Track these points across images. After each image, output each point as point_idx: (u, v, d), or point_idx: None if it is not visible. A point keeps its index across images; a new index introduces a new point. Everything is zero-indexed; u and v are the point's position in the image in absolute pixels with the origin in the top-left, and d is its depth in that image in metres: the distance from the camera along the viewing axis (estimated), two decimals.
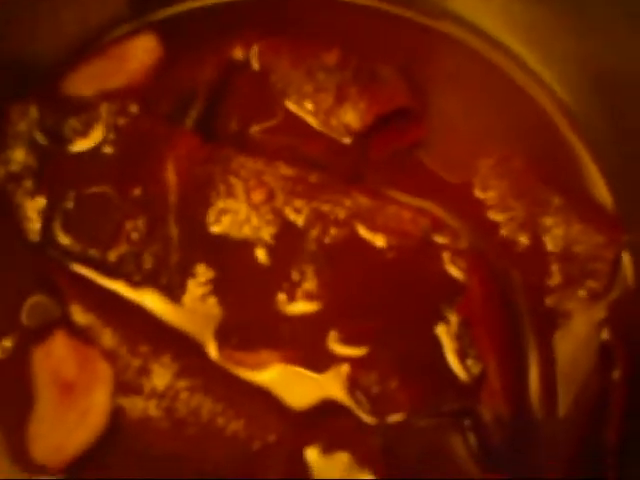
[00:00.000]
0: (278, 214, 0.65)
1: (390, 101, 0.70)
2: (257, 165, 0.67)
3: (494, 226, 0.67)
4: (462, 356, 0.61)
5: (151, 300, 0.64)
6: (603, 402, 0.62)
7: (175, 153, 0.67)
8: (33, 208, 0.66)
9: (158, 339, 0.63)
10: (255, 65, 0.72)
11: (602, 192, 0.70)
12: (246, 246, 0.64)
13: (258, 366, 0.62)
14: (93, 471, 0.60)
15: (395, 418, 0.60)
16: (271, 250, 0.64)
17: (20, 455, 0.60)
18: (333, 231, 0.65)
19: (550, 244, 0.66)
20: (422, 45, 0.75)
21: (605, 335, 0.65)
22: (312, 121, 0.70)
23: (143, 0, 0.75)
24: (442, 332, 0.62)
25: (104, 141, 0.67)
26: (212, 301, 0.64)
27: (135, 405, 0.61)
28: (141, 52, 0.73)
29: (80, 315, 0.63)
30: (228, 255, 0.64)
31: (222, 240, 0.65)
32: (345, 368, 0.62)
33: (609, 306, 0.65)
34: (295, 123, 0.70)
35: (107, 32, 0.75)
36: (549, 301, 0.65)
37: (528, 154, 0.70)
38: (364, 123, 0.69)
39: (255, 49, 0.72)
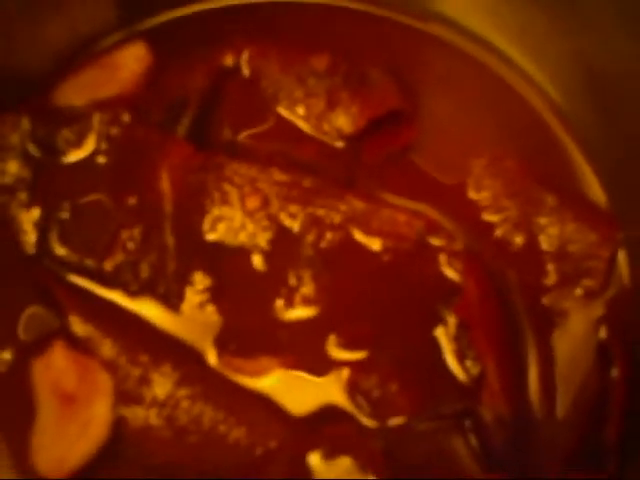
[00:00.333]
0: (273, 220, 0.65)
1: (382, 104, 0.70)
2: (251, 172, 0.67)
3: (489, 227, 0.67)
4: (461, 357, 0.62)
5: (149, 309, 0.64)
6: (602, 401, 0.63)
7: (169, 161, 0.67)
8: (28, 220, 0.66)
9: (157, 348, 0.63)
10: (245, 71, 0.72)
11: (596, 190, 0.70)
12: (242, 253, 0.65)
13: (258, 373, 0.62)
14: None
15: (396, 421, 0.61)
16: (267, 256, 0.64)
17: (23, 467, 0.60)
18: (329, 235, 0.65)
19: (545, 243, 0.66)
20: (412, 48, 0.75)
21: (602, 333, 0.65)
22: (304, 126, 0.70)
23: (132, 9, 0.75)
24: (440, 334, 0.62)
25: (97, 151, 0.67)
26: (210, 309, 0.64)
27: (136, 415, 0.61)
28: (131, 61, 0.73)
29: (79, 326, 0.63)
30: (225, 262, 0.64)
31: (218, 247, 0.65)
32: (345, 372, 0.62)
33: (606, 304, 0.66)
34: (287, 128, 0.70)
35: (97, 41, 0.75)
36: (546, 300, 0.65)
37: (520, 154, 0.70)
38: (356, 127, 0.69)
39: (245, 55, 0.72)
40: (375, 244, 0.65)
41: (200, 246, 0.65)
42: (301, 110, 0.70)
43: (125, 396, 0.61)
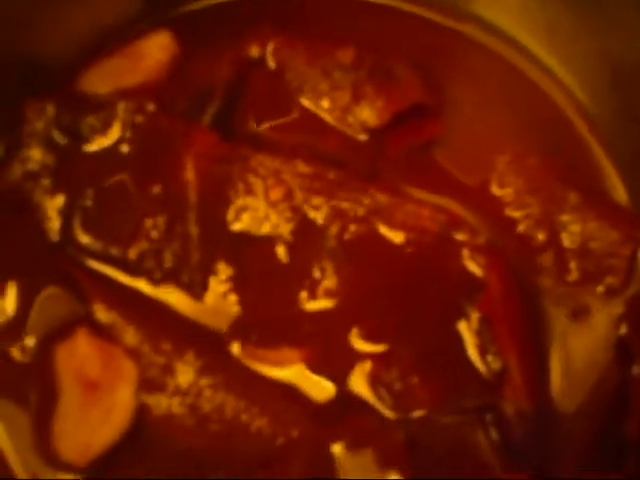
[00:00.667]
0: (297, 212, 0.65)
1: (407, 98, 0.70)
2: (275, 163, 0.67)
3: (512, 222, 0.67)
4: (483, 352, 0.62)
5: (172, 298, 0.64)
6: (622, 397, 0.63)
7: (193, 151, 0.67)
8: (52, 207, 0.66)
9: (180, 337, 0.63)
10: (271, 63, 0.72)
11: (618, 189, 0.70)
12: (266, 243, 0.65)
13: (280, 363, 0.63)
14: (118, 468, 0.60)
15: (417, 414, 0.61)
16: (291, 247, 0.65)
17: (47, 453, 0.60)
18: (352, 228, 0.65)
19: (567, 241, 0.66)
20: (437, 43, 0.75)
21: (623, 330, 0.65)
22: (328, 119, 0.70)
23: None
24: (463, 328, 0.63)
25: (121, 139, 0.67)
26: (233, 298, 0.64)
27: (159, 402, 0.61)
28: (156, 50, 0.73)
29: (103, 313, 0.63)
30: (248, 253, 0.65)
31: (242, 238, 0.65)
32: (367, 365, 0.62)
33: (626, 302, 0.66)
34: (311, 120, 0.70)
35: (122, 30, 0.74)
36: (567, 297, 0.65)
37: (543, 151, 0.70)
38: (381, 121, 0.69)
39: (271, 47, 0.72)
40: (398, 237, 0.65)
41: (224, 236, 0.65)
42: (326, 103, 0.70)
43: (148, 384, 0.61)
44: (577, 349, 0.65)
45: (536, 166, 0.69)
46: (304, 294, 0.64)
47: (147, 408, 0.61)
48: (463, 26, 0.76)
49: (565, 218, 0.67)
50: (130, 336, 0.62)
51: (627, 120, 0.71)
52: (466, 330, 0.62)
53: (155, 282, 0.64)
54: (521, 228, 0.67)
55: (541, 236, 0.67)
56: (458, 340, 0.62)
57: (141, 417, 0.61)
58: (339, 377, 0.62)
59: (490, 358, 0.62)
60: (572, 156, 0.71)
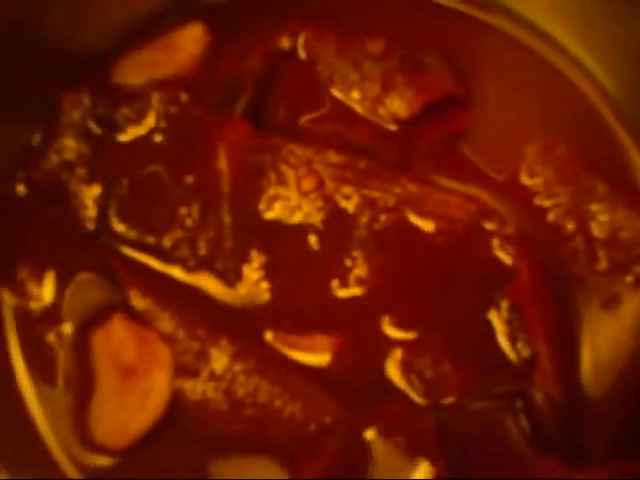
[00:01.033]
0: (328, 201, 0.66)
1: (437, 89, 0.71)
2: (306, 153, 0.68)
3: (541, 212, 0.68)
4: (513, 340, 0.63)
5: (207, 285, 0.65)
6: None
7: (226, 140, 0.68)
8: (88, 196, 0.67)
9: (214, 323, 0.64)
10: (302, 54, 0.73)
11: None
12: (298, 232, 0.66)
13: (312, 350, 0.64)
14: (153, 452, 0.61)
15: (448, 401, 0.62)
16: (322, 236, 0.65)
17: (84, 437, 0.62)
18: (383, 217, 0.66)
19: (596, 230, 0.67)
20: (467, 35, 0.75)
21: None
22: (359, 109, 0.71)
23: None
24: (493, 316, 0.63)
25: (155, 129, 0.68)
26: (266, 286, 0.65)
27: (194, 388, 0.62)
28: (189, 41, 0.74)
29: (138, 300, 0.64)
30: (281, 241, 0.66)
31: (275, 226, 0.66)
32: (398, 352, 0.63)
33: None
34: (342, 111, 0.71)
35: (155, 21, 0.75)
36: (597, 286, 0.66)
37: (571, 141, 0.70)
38: (412, 111, 0.70)
39: (301, 38, 0.73)
40: (428, 226, 0.66)
41: (256, 225, 0.66)
42: (356, 94, 0.71)
43: (183, 369, 0.62)
44: (606, 337, 0.65)
45: (565, 156, 0.70)
46: (335, 282, 0.64)
47: (182, 393, 0.62)
48: (492, 18, 0.76)
49: (594, 208, 0.67)
50: (165, 322, 0.63)
51: None
52: (496, 318, 0.63)
53: (189, 270, 0.65)
54: (551, 217, 0.68)
55: (570, 225, 0.67)
56: (488, 328, 0.63)
57: (176, 402, 0.62)
58: (370, 364, 0.63)
59: (520, 345, 0.62)
60: (600, 147, 0.72)
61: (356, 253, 0.65)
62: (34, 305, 0.66)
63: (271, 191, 0.66)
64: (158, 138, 0.68)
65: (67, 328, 0.64)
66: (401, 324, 0.63)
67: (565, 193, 0.68)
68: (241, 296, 0.65)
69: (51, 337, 0.64)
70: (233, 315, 0.64)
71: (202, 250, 0.65)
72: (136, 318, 0.64)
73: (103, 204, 0.67)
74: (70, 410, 0.63)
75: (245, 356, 0.62)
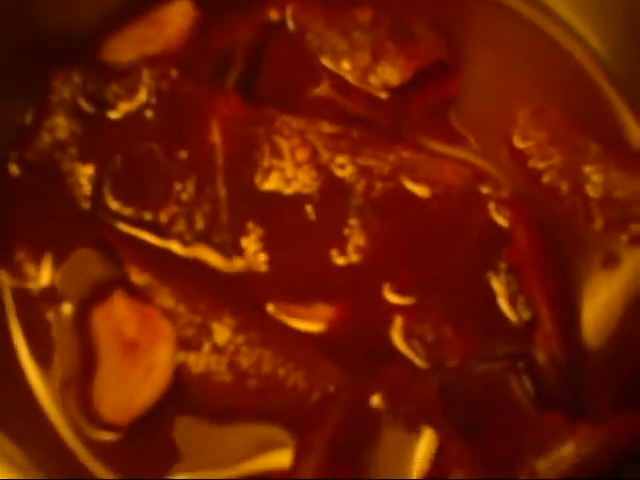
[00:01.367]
0: (324, 171, 0.66)
1: (428, 55, 0.71)
2: (299, 124, 0.68)
3: (536, 174, 0.68)
4: (513, 302, 0.63)
5: (205, 258, 0.65)
6: None
7: (219, 114, 0.68)
8: (82, 175, 0.67)
9: (215, 296, 0.64)
10: (291, 26, 0.73)
11: (638, 139, 0.71)
12: (295, 203, 0.66)
13: (314, 318, 0.64)
14: (158, 427, 0.61)
15: (450, 364, 0.62)
16: (319, 206, 0.66)
17: (89, 413, 0.61)
18: (379, 185, 0.66)
19: (591, 190, 0.67)
20: (454, 1, 0.75)
21: None
22: (350, 79, 0.71)
23: None
24: (492, 279, 0.64)
25: (147, 105, 0.68)
26: (265, 257, 0.65)
27: (197, 361, 0.62)
28: (177, 16, 0.73)
29: (137, 275, 0.64)
30: (278, 212, 0.66)
31: (271, 198, 0.66)
32: (399, 317, 0.63)
33: None
34: (333, 81, 0.71)
35: None
36: (594, 245, 0.66)
37: (564, 105, 0.71)
38: (403, 78, 0.70)
39: (289, 10, 0.73)
40: (424, 192, 0.66)
41: (252, 197, 0.66)
42: (346, 64, 0.71)
43: (186, 343, 0.62)
44: (605, 295, 0.66)
45: (557, 119, 0.70)
46: (334, 251, 0.65)
47: (185, 367, 0.62)
48: None
49: (588, 169, 0.68)
50: (165, 297, 0.63)
51: None
52: (495, 281, 0.63)
53: (187, 244, 0.65)
54: (545, 179, 0.68)
55: (565, 186, 0.68)
56: (488, 291, 0.63)
57: (180, 376, 0.62)
58: (372, 330, 0.63)
59: (520, 308, 0.63)
60: (592, 109, 0.72)
61: (353, 221, 0.65)
62: (33, 285, 0.65)
63: (265, 163, 0.66)
64: (150, 114, 0.68)
65: (67, 307, 0.64)
66: (401, 290, 0.64)
67: (558, 155, 0.68)
68: (240, 268, 0.65)
69: (51, 316, 0.64)
70: (233, 288, 0.64)
71: (199, 224, 0.65)
72: (136, 294, 0.64)
73: (97, 182, 0.67)
74: (74, 387, 0.62)
75: (247, 328, 0.62)
